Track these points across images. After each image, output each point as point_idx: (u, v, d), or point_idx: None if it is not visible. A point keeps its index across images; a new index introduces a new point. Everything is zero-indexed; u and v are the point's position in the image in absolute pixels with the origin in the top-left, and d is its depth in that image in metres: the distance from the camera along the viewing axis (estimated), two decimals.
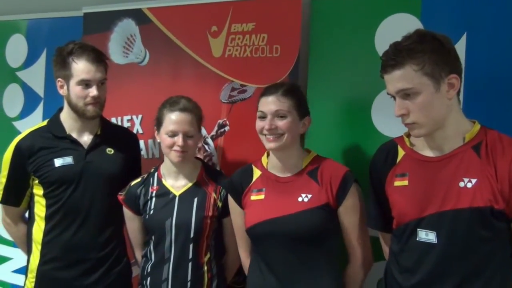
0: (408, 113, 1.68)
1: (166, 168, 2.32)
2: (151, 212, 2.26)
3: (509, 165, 1.63)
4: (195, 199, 2.24)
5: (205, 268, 2.22)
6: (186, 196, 2.26)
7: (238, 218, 2.17)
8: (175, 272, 2.20)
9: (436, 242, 1.70)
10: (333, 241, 2.05)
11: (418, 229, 1.73)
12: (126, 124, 2.89)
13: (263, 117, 2.02)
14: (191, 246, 2.20)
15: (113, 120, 2.81)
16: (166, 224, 2.21)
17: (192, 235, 2.20)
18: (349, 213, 2.02)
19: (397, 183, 1.82)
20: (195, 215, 2.21)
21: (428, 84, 1.64)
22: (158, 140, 2.29)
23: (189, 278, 2.19)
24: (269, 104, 2.02)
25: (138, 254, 2.40)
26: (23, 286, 2.40)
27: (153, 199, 2.27)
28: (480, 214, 1.64)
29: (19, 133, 2.84)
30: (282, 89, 2.04)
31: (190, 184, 2.28)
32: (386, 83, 1.72)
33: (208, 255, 2.25)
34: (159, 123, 2.26)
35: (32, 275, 2.33)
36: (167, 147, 2.21)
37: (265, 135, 2.01)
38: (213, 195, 2.26)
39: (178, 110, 2.21)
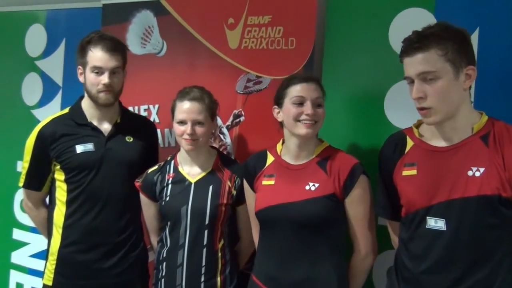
0: (426, 97, 1.71)
1: (181, 156, 2.37)
2: (167, 198, 2.30)
3: None
4: (210, 187, 2.28)
5: (219, 254, 2.27)
6: (202, 183, 2.30)
7: (251, 201, 2.21)
8: (190, 257, 2.24)
9: (445, 229, 1.73)
10: (338, 230, 2.08)
11: (427, 217, 1.77)
12: (143, 113, 2.92)
13: (301, 103, 2.04)
14: (205, 232, 2.25)
15: (130, 109, 2.81)
16: (182, 210, 2.26)
17: (207, 221, 2.25)
18: (355, 205, 2.05)
19: (406, 172, 1.86)
20: (210, 202, 2.26)
21: (449, 71, 1.69)
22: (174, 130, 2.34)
23: (203, 263, 2.24)
24: (310, 91, 2.05)
25: (154, 240, 2.44)
26: (44, 269, 2.45)
27: (169, 186, 2.32)
28: (488, 202, 1.68)
29: (38, 121, 2.92)
30: (316, 79, 2.11)
31: (205, 172, 2.32)
32: (407, 66, 1.74)
33: (222, 242, 2.29)
34: (172, 113, 2.32)
35: (53, 257, 2.39)
36: (178, 136, 2.27)
37: (301, 120, 2.04)
38: (228, 183, 2.30)
39: (187, 100, 2.26)
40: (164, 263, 2.29)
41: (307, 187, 2.04)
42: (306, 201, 2.02)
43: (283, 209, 2.04)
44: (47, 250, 2.45)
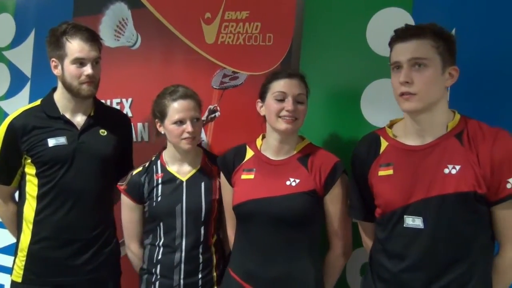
0: (412, 83, 1.74)
1: (169, 155, 2.34)
2: (159, 198, 2.27)
3: (490, 151, 1.72)
4: (202, 183, 2.28)
5: (213, 249, 2.28)
6: (193, 181, 2.29)
7: (227, 195, 2.21)
8: (188, 256, 2.23)
9: (423, 227, 1.76)
10: (316, 227, 2.09)
11: (405, 216, 1.79)
12: (116, 107, 2.87)
13: (282, 98, 2.04)
14: (202, 229, 2.25)
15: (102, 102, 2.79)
16: (176, 209, 2.24)
17: (203, 218, 2.24)
18: (334, 202, 2.06)
19: (382, 172, 1.88)
20: (205, 199, 2.26)
21: (438, 63, 1.75)
22: (163, 132, 2.29)
23: (200, 260, 2.24)
24: (293, 87, 2.05)
25: (134, 245, 2.37)
26: (13, 265, 2.39)
27: (160, 186, 2.29)
28: (465, 198, 1.72)
29: (5, 113, 2.85)
30: (300, 74, 2.10)
31: (195, 170, 2.31)
32: (398, 50, 1.77)
33: (215, 237, 2.31)
34: (162, 115, 2.25)
35: (22, 253, 2.34)
36: (177, 136, 2.22)
37: (282, 116, 2.03)
38: (218, 179, 2.30)
39: (180, 98, 2.23)
40: (159, 266, 2.27)
41: (288, 183, 2.05)
42: (286, 196, 2.03)
43: (263, 204, 2.04)
44: (16, 246, 2.39)
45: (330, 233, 2.11)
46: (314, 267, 2.07)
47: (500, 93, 2.12)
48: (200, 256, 2.23)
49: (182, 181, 2.28)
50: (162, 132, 2.30)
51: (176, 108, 2.21)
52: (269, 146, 2.14)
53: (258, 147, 2.17)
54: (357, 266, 2.32)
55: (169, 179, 2.29)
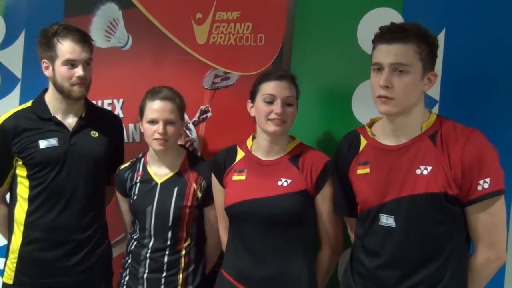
0: (391, 87, 1.74)
1: (150, 155, 2.36)
2: (135, 197, 2.32)
3: (461, 153, 1.73)
4: (175, 189, 2.29)
5: (183, 252, 2.28)
6: (167, 184, 2.30)
7: (219, 196, 2.21)
8: (153, 256, 2.27)
9: (394, 226, 1.80)
10: (308, 227, 2.10)
11: (379, 214, 1.83)
12: (107, 108, 2.87)
13: (271, 101, 2.04)
14: (169, 233, 2.27)
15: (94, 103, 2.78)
16: (147, 210, 2.27)
17: (170, 223, 2.26)
18: (325, 201, 2.07)
19: (360, 171, 1.91)
20: (174, 204, 2.26)
21: (418, 69, 1.75)
22: (142, 130, 2.31)
23: (165, 261, 2.26)
24: (281, 89, 2.04)
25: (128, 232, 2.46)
26: (4, 267, 2.38)
27: (138, 185, 2.33)
28: (435, 199, 1.74)
29: None
30: (290, 76, 2.10)
31: (171, 173, 2.32)
32: (380, 53, 1.77)
33: (188, 242, 2.30)
34: (141, 113, 2.29)
35: (14, 255, 2.33)
36: (149, 136, 2.25)
37: (270, 119, 2.03)
38: (193, 185, 2.30)
39: (158, 99, 2.24)
40: (131, 255, 2.34)
41: (279, 183, 2.05)
42: (278, 196, 2.03)
43: (255, 205, 2.05)
44: (7, 248, 2.39)
45: (321, 232, 2.12)
46: (307, 266, 2.07)
47: (490, 94, 2.12)
48: (165, 258, 2.26)
49: (157, 183, 2.31)
50: (142, 131, 2.32)
51: (152, 107, 2.24)
52: (259, 146, 2.14)
53: (249, 148, 2.17)
54: None
55: (147, 179, 2.33)
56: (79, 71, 2.24)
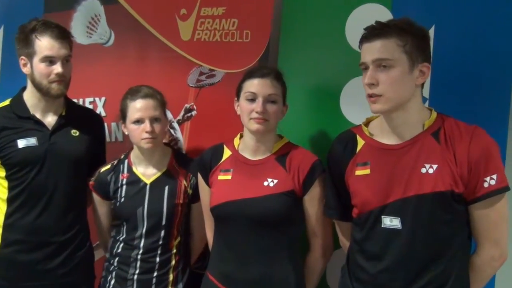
0: (377, 84, 1.72)
1: (135, 156, 2.33)
2: (122, 200, 2.28)
3: (467, 149, 1.71)
4: (166, 187, 2.27)
5: (174, 251, 2.27)
6: (157, 184, 2.28)
7: (205, 196, 2.18)
8: (145, 256, 2.25)
9: (401, 228, 1.75)
10: (295, 228, 2.07)
11: (382, 216, 1.78)
12: (88, 106, 2.82)
13: (253, 99, 2.01)
14: (162, 232, 2.25)
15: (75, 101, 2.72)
16: (137, 212, 2.24)
17: (164, 222, 2.24)
18: (314, 203, 2.04)
19: (359, 172, 1.86)
20: (167, 203, 2.25)
21: (404, 62, 1.71)
22: (126, 133, 2.29)
23: (157, 260, 2.25)
24: (263, 86, 2.01)
25: (105, 237, 2.41)
26: None
27: (124, 187, 2.29)
28: (442, 198, 1.71)
29: None
30: (274, 73, 2.06)
31: (160, 173, 2.30)
32: (364, 52, 1.76)
33: (178, 239, 2.29)
34: (123, 115, 2.26)
35: None
36: (136, 137, 2.22)
37: (252, 118, 2.01)
38: (184, 182, 2.29)
39: (140, 98, 2.22)
40: (117, 258, 2.30)
41: (265, 183, 2.03)
42: (264, 197, 2.01)
43: (241, 205, 2.02)
44: None
45: (309, 234, 2.09)
46: (294, 269, 2.04)
47: (480, 90, 2.12)
48: (157, 258, 2.25)
49: (146, 184, 2.28)
50: (126, 133, 2.30)
51: (135, 107, 2.21)
52: (246, 145, 2.11)
53: (236, 147, 2.14)
54: (338, 267, 2.20)
55: (134, 180, 2.29)
56: (57, 68, 2.19)
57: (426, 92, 2.14)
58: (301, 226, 2.09)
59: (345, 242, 2.03)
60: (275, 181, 2.03)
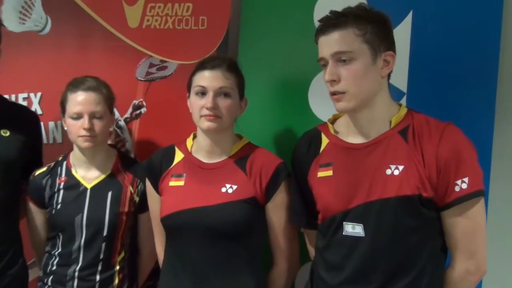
0: (339, 80, 1.65)
1: (75, 157, 2.21)
2: (58, 206, 2.15)
3: (436, 150, 1.64)
4: (109, 193, 2.15)
5: (117, 268, 2.15)
6: (99, 189, 2.16)
7: (154, 205, 2.06)
8: (83, 272, 2.11)
9: (363, 235, 1.68)
10: (257, 240, 1.98)
11: (344, 223, 1.71)
12: (22, 103, 2.59)
13: (203, 93, 1.90)
14: (103, 245, 2.12)
15: (6, 98, 2.50)
16: (75, 220, 2.11)
17: (105, 233, 2.11)
18: (278, 210, 1.95)
19: (321, 173, 1.79)
20: (109, 211, 2.13)
21: (366, 53, 1.64)
22: (66, 128, 2.18)
23: (97, 279, 2.12)
24: (213, 79, 1.90)
25: (41, 253, 2.25)
26: None
27: (61, 192, 2.16)
28: (408, 202, 1.64)
29: None
30: (226, 63, 1.95)
31: (103, 176, 2.19)
32: (321, 46, 1.69)
33: (122, 254, 2.16)
34: (63, 108, 2.16)
35: None
36: (73, 133, 2.12)
37: (203, 114, 1.90)
38: (130, 188, 2.18)
39: (81, 90, 2.11)
40: (52, 277, 2.15)
41: (223, 189, 1.92)
42: (222, 205, 1.90)
43: (195, 215, 1.90)
44: None
45: (273, 246, 1.99)
46: (256, 285, 1.94)
47: (463, 82, 2.07)
48: (98, 275, 2.11)
49: (86, 188, 2.16)
50: (66, 128, 2.18)
51: (74, 100, 2.11)
52: (200, 147, 1.99)
53: (189, 149, 2.02)
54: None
55: (72, 184, 2.17)
56: None
57: (403, 86, 2.10)
58: (263, 237, 1.99)
59: (313, 252, 1.94)
60: (234, 187, 1.92)
